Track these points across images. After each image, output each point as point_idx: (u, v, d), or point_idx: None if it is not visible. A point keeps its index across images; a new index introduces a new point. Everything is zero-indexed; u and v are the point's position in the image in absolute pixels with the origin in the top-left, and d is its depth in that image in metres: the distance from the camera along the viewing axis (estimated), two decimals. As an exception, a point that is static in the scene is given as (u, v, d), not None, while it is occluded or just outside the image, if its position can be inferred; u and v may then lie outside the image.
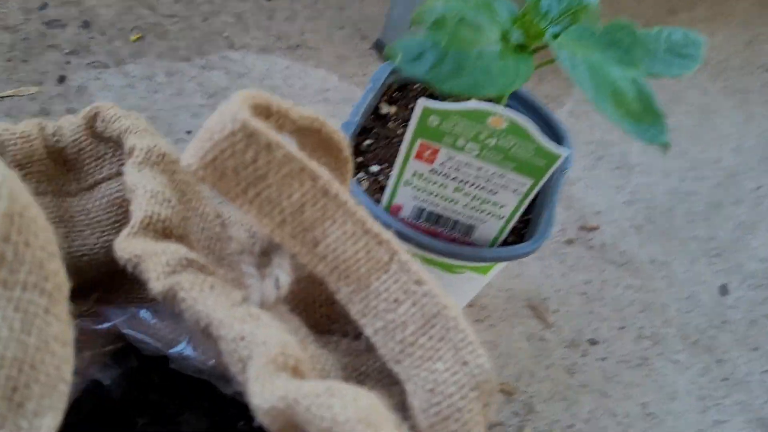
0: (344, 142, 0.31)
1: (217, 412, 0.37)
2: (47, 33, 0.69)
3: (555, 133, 0.47)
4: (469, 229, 0.40)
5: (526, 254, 0.39)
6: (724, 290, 0.68)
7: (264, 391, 0.20)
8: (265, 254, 0.26)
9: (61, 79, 0.66)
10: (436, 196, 0.38)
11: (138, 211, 0.28)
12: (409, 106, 0.47)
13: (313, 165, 0.24)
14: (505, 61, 0.34)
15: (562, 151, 0.33)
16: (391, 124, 0.46)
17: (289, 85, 0.72)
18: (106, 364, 0.35)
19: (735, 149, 0.83)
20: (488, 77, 0.34)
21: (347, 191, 0.33)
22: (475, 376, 0.23)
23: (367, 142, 0.44)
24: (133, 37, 0.71)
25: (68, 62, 0.67)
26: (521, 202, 0.37)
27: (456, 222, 0.40)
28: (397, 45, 0.34)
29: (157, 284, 0.25)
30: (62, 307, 0.20)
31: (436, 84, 0.33)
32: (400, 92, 0.48)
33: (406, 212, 0.40)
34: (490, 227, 0.39)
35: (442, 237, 0.41)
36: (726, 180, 0.79)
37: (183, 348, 0.34)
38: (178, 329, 0.33)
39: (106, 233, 0.34)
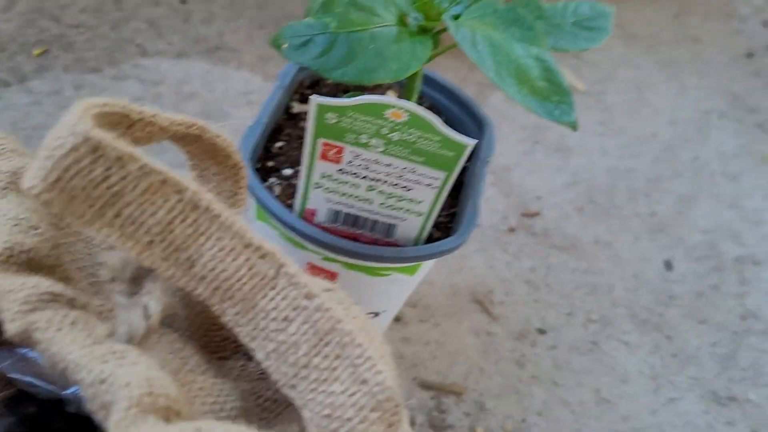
0: (231, 147, 0.28)
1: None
2: (-59, 54, 0.64)
3: (476, 120, 0.45)
4: (390, 228, 0.37)
5: (451, 250, 0.37)
6: (668, 265, 0.67)
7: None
8: (137, 281, 0.23)
9: (-41, 102, 0.62)
10: (349, 196, 0.36)
11: (-2, 243, 0.25)
12: (323, 103, 0.45)
13: (178, 176, 0.21)
14: (400, 44, 0.32)
15: (468, 141, 0.31)
16: (302, 124, 0.43)
17: (210, 90, 0.69)
18: (-1, 413, 0.32)
19: (670, 122, 0.83)
20: (381, 61, 0.31)
21: (244, 199, 0.30)
22: (375, 395, 0.21)
23: (279, 144, 0.42)
24: (36, 51, 0.67)
25: (-35, 83, 0.63)
26: (438, 196, 0.35)
27: (375, 222, 0.37)
28: (283, 31, 0.32)
29: (11, 326, 0.22)
30: None
31: (324, 72, 0.31)
32: (312, 89, 0.45)
33: (321, 216, 0.37)
34: (411, 225, 0.37)
35: (362, 239, 0.38)
36: (663, 154, 0.78)
37: (77, 389, 0.31)
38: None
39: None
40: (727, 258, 0.69)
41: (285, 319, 0.22)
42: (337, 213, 0.37)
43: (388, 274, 0.39)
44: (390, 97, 0.30)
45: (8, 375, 0.31)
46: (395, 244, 0.39)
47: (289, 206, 0.39)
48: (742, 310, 0.65)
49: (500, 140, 0.67)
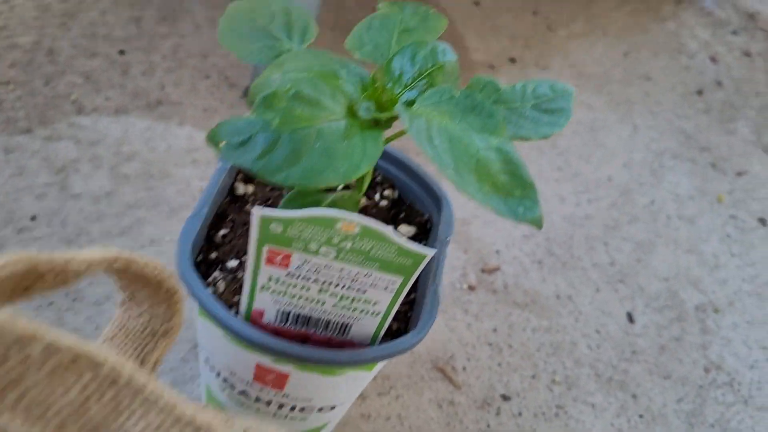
0: (163, 273, 0.25)
1: None
2: None
3: (433, 196, 0.43)
4: (344, 327, 0.35)
5: (411, 347, 0.35)
6: (630, 318, 0.66)
7: None
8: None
9: None
10: (299, 298, 0.33)
11: None
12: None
13: (93, 350, 0.18)
14: (350, 140, 0.29)
15: (427, 251, 0.29)
16: (248, 207, 0.40)
17: (151, 149, 0.65)
18: None
19: (624, 164, 0.82)
20: (329, 161, 0.28)
21: (180, 325, 0.27)
22: None
23: (222, 232, 0.39)
24: (-39, 112, 0.62)
25: None
26: (395, 298, 0.32)
27: (328, 322, 0.34)
28: (220, 128, 0.29)
29: None
30: None
31: (266, 176, 0.28)
32: (258, 166, 0.42)
33: (270, 317, 0.34)
34: (367, 324, 0.34)
35: (314, 338, 0.35)
36: (620, 198, 0.78)
37: None
38: None
39: None
40: (688, 306, 0.68)
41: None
42: (287, 314, 0.34)
43: (345, 373, 0.36)
44: (339, 211, 0.27)
45: None
46: (350, 342, 0.36)
47: (235, 304, 0.36)
48: (705, 362, 0.64)
49: (457, 192, 0.65)
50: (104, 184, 0.61)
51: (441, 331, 0.60)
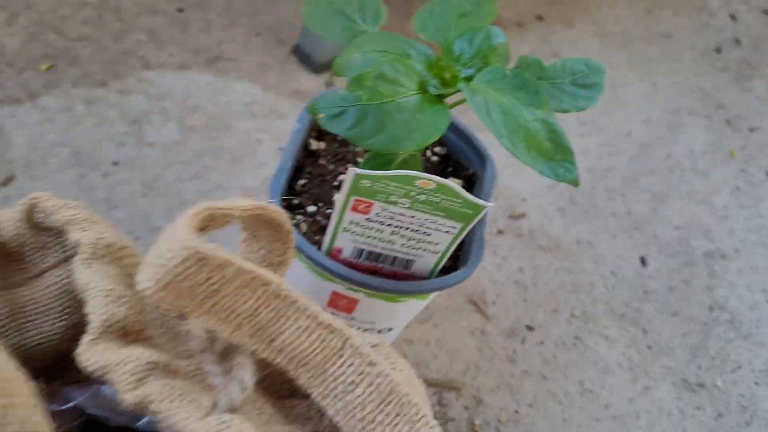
0: (284, 219, 0.32)
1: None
2: (-49, 72, 0.66)
3: (478, 154, 0.49)
4: (408, 263, 0.42)
5: (462, 281, 0.42)
6: (643, 262, 0.73)
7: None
8: (226, 353, 0.27)
9: (-26, 122, 0.64)
10: (374, 239, 0.40)
11: (95, 315, 0.29)
12: (337, 139, 0.49)
13: (264, 273, 0.26)
14: (423, 113, 0.36)
15: (486, 204, 0.36)
16: (321, 161, 0.47)
17: (214, 103, 0.72)
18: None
19: (644, 121, 0.88)
20: (407, 132, 0.35)
21: (292, 258, 0.35)
22: (431, 447, 0.26)
23: (301, 182, 0.46)
24: (43, 66, 0.69)
25: (-21, 103, 0.65)
26: (454, 240, 0.39)
27: (395, 258, 0.42)
28: (318, 102, 0.36)
29: (127, 396, 0.26)
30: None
31: (357, 142, 0.35)
32: (328, 125, 0.49)
33: (347, 253, 0.42)
34: (427, 261, 0.42)
35: (382, 271, 0.43)
36: (639, 152, 0.84)
37: (149, 419, 0.35)
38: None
39: (58, 319, 0.35)
40: (698, 253, 0.75)
41: (352, 383, 0.27)
42: (361, 251, 0.41)
43: (406, 301, 0.44)
44: (418, 172, 0.34)
45: (85, 410, 0.36)
46: (411, 275, 0.43)
47: (316, 242, 0.43)
48: (710, 302, 0.71)
49: (488, 144, 0.72)
50: (174, 135, 0.68)
51: (475, 271, 0.67)
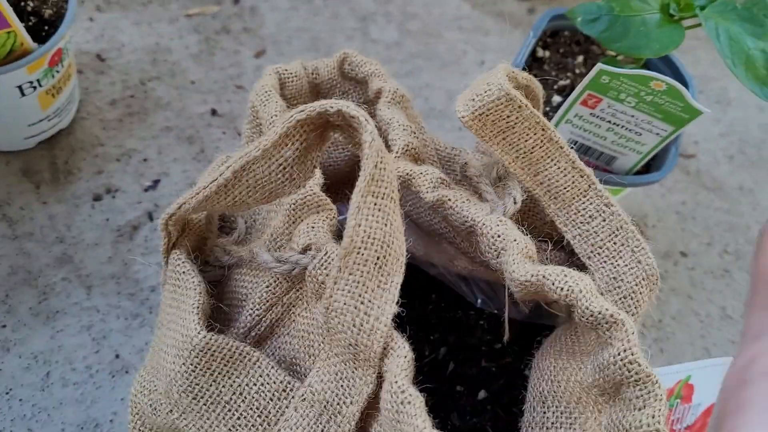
0: (540, 91, 0.41)
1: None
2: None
3: (682, 80, 0.56)
4: (611, 159, 0.50)
5: (655, 182, 0.50)
6: (803, 217, 0.77)
7: (519, 270, 0.32)
8: (499, 179, 0.37)
9: (236, 1, 0.76)
10: (589, 133, 0.48)
11: (398, 140, 0.39)
12: (560, 51, 0.56)
13: (544, 119, 0.35)
14: (661, 29, 0.44)
15: (705, 110, 0.43)
16: (545, 66, 0.55)
17: (429, 13, 0.81)
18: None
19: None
20: (647, 42, 0.43)
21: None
22: (646, 271, 0.35)
23: (526, 81, 0.54)
24: (291, -38, 0.80)
25: (243, -14, 0.77)
26: (661, 142, 0.47)
27: (601, 153, 0.50)
28: (577, 8, 0.44)
29: (428, 195, 0.36)
30: (398, 209, 0.32)
31: (604, 43, 0.43)
32: (552, 38, 0.57)
33: (562, 143, 0.50)
34: (629, 159, 0.50)
35: (586, 164, 0.51)
36: (817, 117, 0.86)
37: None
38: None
39: (345, 150, 0.46)
40: None
41: (590, 216, 0.36)
42: (574, 142, 0.50)
43: (599, 193, 0.52)
44: (657, 73, 0.42)
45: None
46: (611, 172, 0.51)
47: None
48: None
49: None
50: (393, 35, 0.78)
51: (640, 195, 0.74)
